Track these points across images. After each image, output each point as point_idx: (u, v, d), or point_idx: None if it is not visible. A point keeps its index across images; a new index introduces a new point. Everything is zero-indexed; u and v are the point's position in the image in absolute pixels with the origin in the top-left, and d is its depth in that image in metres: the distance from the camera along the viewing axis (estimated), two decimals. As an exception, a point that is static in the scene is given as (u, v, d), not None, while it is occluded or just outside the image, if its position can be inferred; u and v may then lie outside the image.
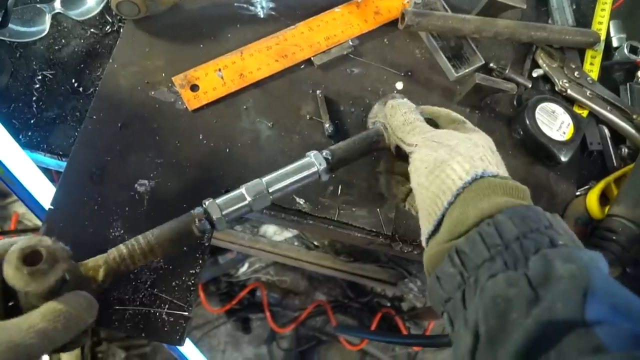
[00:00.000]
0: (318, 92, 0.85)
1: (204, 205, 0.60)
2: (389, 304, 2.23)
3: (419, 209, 0.55)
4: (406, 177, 0.65)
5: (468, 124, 0.65)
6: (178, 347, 1.15)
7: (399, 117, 0.62)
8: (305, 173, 0.63)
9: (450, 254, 0.46)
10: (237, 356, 2.19)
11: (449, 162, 0.52)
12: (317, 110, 0.84)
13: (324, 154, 0.65)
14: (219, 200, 0.59)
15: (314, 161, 0.64)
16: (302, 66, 0.87)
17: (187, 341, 1.22)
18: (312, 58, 0.87)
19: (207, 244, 0.73)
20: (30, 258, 0.43)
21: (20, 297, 0.48)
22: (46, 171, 0.82)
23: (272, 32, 0.87)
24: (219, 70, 0.82)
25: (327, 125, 0.82)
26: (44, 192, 0.75)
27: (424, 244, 0.54)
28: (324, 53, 0.87)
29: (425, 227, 0.53)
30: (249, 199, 0.60)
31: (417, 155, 0.56)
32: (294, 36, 0.87)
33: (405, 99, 0.66)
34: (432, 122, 0.67)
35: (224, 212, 0.59)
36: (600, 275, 0.39)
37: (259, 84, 0.84)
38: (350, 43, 0.89)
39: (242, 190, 0.61)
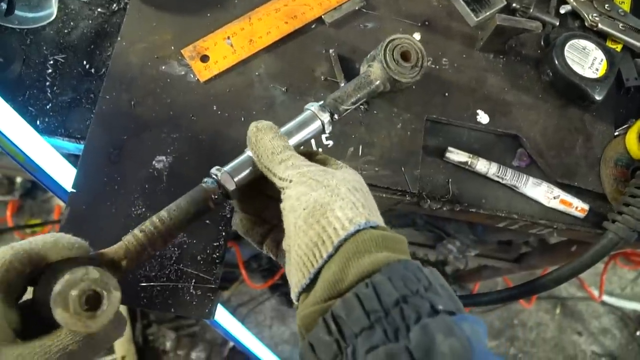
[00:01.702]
0: (331, 51, 0.82)
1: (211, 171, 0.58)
2: (431, 268, 2.20)
3: (290, 254, 0.49)
4: (260, 215, 0.60)
5: (339, 162, 0.58)
6: (223, 324, 1.17)
7: (266, 143, 0.54)
8: (309, 125, 0.61)
9: (325, 318, 0.42)
10: (284, 330, 2.21)
11: (330, 205, 0.46)
12: (331, 70, 0.81)
13: (321, 102, 0.63)
14: (227, 167, 0.57)
15: (314, 111, 0.62)
16: (313, 26, 0.84)
17: (233, 319, 1.23)
18: (322, 16, 0.84)
19: (229, 216, 0.72)
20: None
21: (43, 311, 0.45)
22: (76, 157, 0.83)
23: (279, -7, 0.84)
24: (228, 38, 0.80)
25: (342, 85, 0.79)
26: (66, 176, 0.75)
27: (294, 297, 0.48)
28: (335, 10, 0.84)
29: (298, 279, 0.47)
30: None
31: (293, 193, 0.49)
32: (303, -5, 0.84)
33: (271, 122, 0.57)
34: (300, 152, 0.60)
35: (235, 179, 0.57)
36: (483, 350, 0.37)
37: (270, 49, 0.81)
38: (362, -3, 0.85)
39: (247, 152, 0.58)
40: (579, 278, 2.25)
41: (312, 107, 0.62)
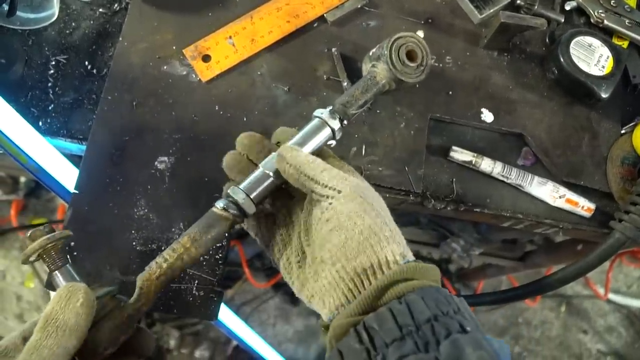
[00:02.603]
0: (334, 50, 0.81)
1: (227, 192, 0.58)
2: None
3: (324, 269, 0.50)
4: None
5: (347, 165, 0.59)
6: (226, 323, 1.17)
7: (301, 154, 0.54)
8: (319, 133, 0.60)
9: (357, 329, 0.43)
10: (288, 329, 2.21)
11: (382, 233, 0.49)
12: (334, 69, 0.81)
13: (329, 108, 0.61)
14: (242, 185, 0.57)
15: (324, 118, 0.60)
16: (315, 24, 0.83)
17: (236, 317, 1.23)
18: (324, 15, 0.83)
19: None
20: None
21: None
22: (79, 158, 0.82)
23: (281, -8, 0.84)
24: (230, 37, 0.80)
25: (345, 84, 0.78)
26: (69, 177, 0.75)
27: (327, 316, 0.49)
28: (337, 8, 0.83)
29: (340, 301, 0.48)
30: (270, 174, 0.57)
31: (343, 208, 0.50)
32: (305, -6, 0.83)
33: (294, 129, 0.58)
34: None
35: (252, 196, 0.56)
36: None
37: (272, 48, 0.81)
38: (364, -5, 0.84)
39: (261, 168, 0.58)
40: (584, 276, 2.24)
41: (322, 114, 0.60)
